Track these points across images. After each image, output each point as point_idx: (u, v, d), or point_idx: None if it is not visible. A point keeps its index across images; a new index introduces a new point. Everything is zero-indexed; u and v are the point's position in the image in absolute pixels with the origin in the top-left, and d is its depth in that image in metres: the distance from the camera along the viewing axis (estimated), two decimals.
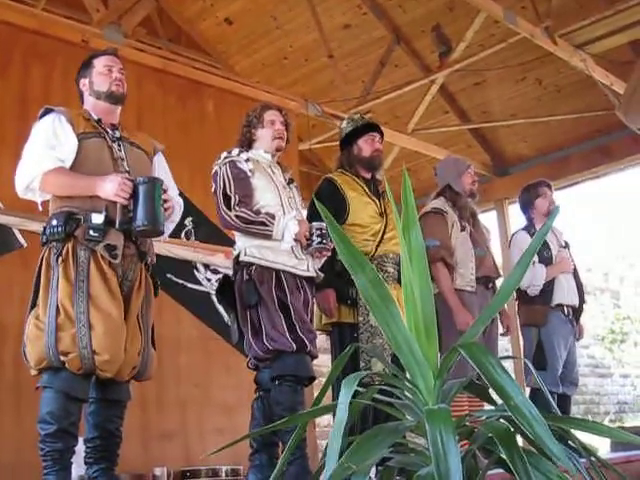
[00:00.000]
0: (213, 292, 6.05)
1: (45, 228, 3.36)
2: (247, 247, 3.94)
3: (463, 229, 5.10)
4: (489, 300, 5.00)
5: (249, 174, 4.04)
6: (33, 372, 3.31)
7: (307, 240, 3.95)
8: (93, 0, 6.36)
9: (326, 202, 2.45)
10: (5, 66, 5.72)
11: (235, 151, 4.14)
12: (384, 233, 4.45)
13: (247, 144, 4.23)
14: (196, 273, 6.31)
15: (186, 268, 6.21)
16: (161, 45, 7.56)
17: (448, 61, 7.83)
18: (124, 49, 6.23)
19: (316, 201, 2.21)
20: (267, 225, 3.90)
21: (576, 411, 12.85)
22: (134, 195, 3.29)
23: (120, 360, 3.28)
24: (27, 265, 5.14)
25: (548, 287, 5.61)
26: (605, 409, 13.86)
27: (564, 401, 5.56)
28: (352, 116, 4.92)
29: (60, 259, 3.27)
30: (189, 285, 6.22)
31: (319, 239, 3.93)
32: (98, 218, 3.29)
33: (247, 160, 4.07)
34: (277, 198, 4.06)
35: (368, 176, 4.66)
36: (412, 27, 8.24)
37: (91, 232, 3.28)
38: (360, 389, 1.87)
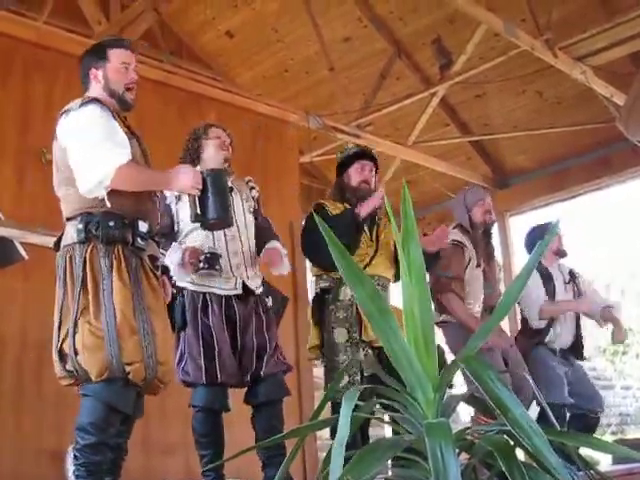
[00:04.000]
0: None
1: (87, 224, 3.14)
2: None
3: (479, 265, 5.18)
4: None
5: (173, 201, 4.11)
6: (66, 382, 3.16)
7: (194, 266, 3.94)
8: (95, 13, 6.37)
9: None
10: (6, 78, 5.74)
11: None
12: (372, 258, 4.44)
13: (195, 158, 4.23)
14: None
15: None
16: (162, 58, 7.57)
17: (449, 74, 7.85)
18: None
19: (315, 216, 2.21)
20: (161, 257, 3.90)
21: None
22: (203, 187, 3.25)
23: (173, 369, 3.26)
24: (28, 277, 5.16)
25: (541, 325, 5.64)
26: (607, 421, 13.82)
27: (591, 420, 5.55)
28: (347, 145, 4.91)
29: (114, 261, 3.11)
30: None
31: (205, 264, 3.92)
32: (143, 227, 3.22)
33: None
34: None
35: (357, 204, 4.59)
36: (413, 40, 8.27)
37: (139, 240, 3.19)
38: (360, 403, 1.87)
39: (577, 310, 5.72)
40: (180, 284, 4.00)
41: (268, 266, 4.18)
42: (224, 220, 3.35)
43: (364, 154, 4.69)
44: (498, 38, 7.39)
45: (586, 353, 5.94)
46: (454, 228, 5.25)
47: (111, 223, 3.14)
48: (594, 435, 5.28)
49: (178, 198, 4.07)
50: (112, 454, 3.25)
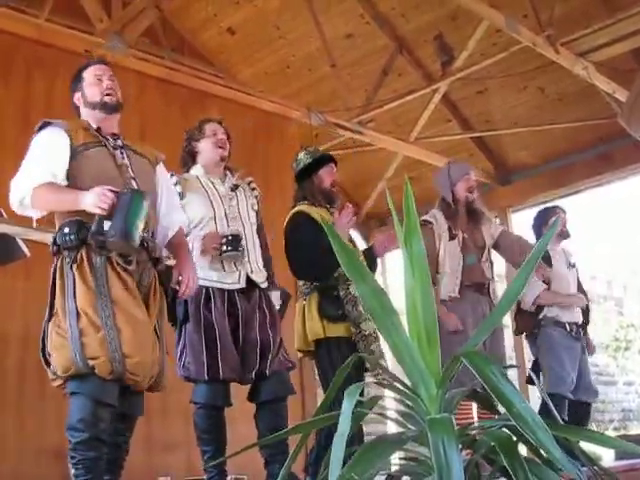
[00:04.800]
0: None
1: (55, 238, 3.32)
2: None
3: (452, 238, 5.13)
4: (483, 305, 5.08)
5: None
6: (57, 382, 3.24)
7: (217, 250, 3.97)
8: (96, 10, 6.37)
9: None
10: (8, 76, 5.75)
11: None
12: None
13: (191, 159, 4.26)
14: None
15: None
16: (164, 55, 7.57)
17: (450, 70, 7.84)
18: (127, 59, 6.27)
19: (316, 216, 2.20)
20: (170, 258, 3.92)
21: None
22: (116, 206, 3.20)
23: (149, 363, 3.24)
24: (29, 275, 5.17)
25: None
26: (609, 417, 13.82)
27: (584, 409, 5.58)
28: (309, 149, 4.92)
29: (75, 265, 3.22)
30: None
31: (229, 247, 3.94)
32: (107, 225, 3.22)
33: (176, 184, 4.05)
34: (210, 211, 4.09)
35: (328, 206, 4.66)
36: (414, 36, 8.25)
37: (100, 238, 3.21)
38: (362, 398, 1.87)
39: (575, 305, 5.75)
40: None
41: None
42: (120, 243, 3.21)
43: (330, 157, 4.80)
44: (500, 34, 7.38)
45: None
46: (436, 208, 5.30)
47: (66, 230, 3.27)
48: (590, 427, 5.29)
49: (182, 195, 4.07)
50: (111, 453, 3.28)
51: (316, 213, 4.46)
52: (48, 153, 3.38)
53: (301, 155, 4.78)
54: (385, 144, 8.82)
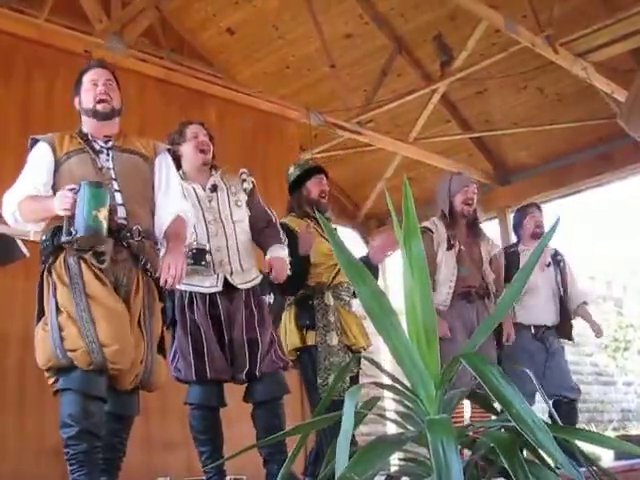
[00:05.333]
0: None
1: (39, 246, 3.44)
2: None
3: (450, 248, 5.18)
4: (470, 312, 5.17)
5: None
6: (50, 381, 3.29)
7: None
8: (95, 11, 6.36)
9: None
10: (7, 76, 5.75)
11: None
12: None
13: (175, 163, 4.16)
14: None
15: None
16: (163, 55, 7.57)
17: (450, 70, 7.84)
18: (126, 59, 6.26)
19: (317, 213, 2.21)
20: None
21: (580, 419, 12.79)
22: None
23: (130, 351, 3.25)
24: (29, 275, 5.13)
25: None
26: (609, 417, 13.82)
27: (567, 406, 5.58)
28: (299, 162, 5.07)
29: (53, 268, 3.32)
30: None
31: (191, 260, 3.89)
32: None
33: None
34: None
35: (316, 216, 4.68)
36: (414, 36, 8.25)
37: (64, 238, 3.27)
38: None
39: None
40: None
41: (271, 275, 4.15)
42: (84, 238, 3.21)
43: (319, 169, 4.92)
44: (499, 34, 7.39)
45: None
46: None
47: (44, 237, 3.40)
48: (588, 426, 5.27)
49: None
50: (106, 453, 3.31)
51: (297, 225, 4.65)
52: (32, 169, 3.49)
53: (291, 169, 4.95)
54: (384, 144, 8.82)
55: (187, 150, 4.24)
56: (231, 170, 4.37)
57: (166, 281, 3.44)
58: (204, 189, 4.19)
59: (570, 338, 5.90)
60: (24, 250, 4.34)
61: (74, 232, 3.21)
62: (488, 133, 9.30)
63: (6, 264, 4.51)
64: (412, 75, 8.56)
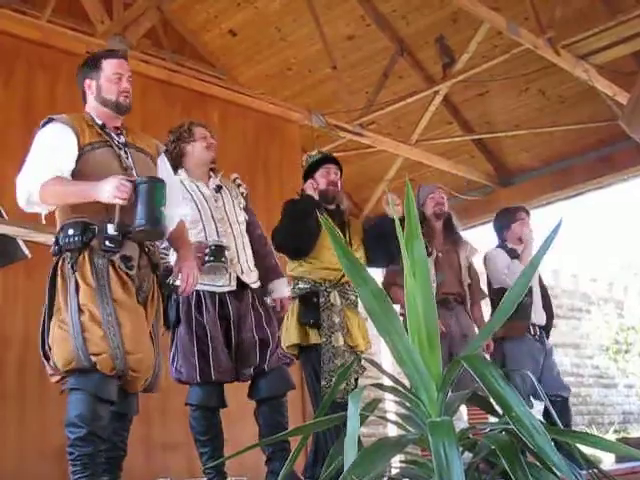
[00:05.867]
0: None
1: (58, 238, 3.31)
2: None
3: (429, 255, 5.19)
4: (447, 318, 5.17)
5: None
6: (56, 378, 3.26)
7: (201, 260, 3.92)
8: (97, 12, 6.37)
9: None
10: (9, 77, 5.75)
11: None
12: None
13: (176, 160, 4.20)
14: None
15: None
16: (165, 56, 7.58)
17: (451, 72, 7.84)
18: (128, 61, 6.26)
19: (319, 214, 2.21)
20: (165, 257, 3.92)
21: (580, 421, 12.81)
22: (135, 196, 3.19)
23: (151, 358, 3.26)
24: (30, 276, 5.16)
25: (527, 301, 5.59)
26: (610, 419, 13.83)
27: (560, 404, 5.57)
28: (310, 153, 5.01)
29: (76, 267, 3.23)
30: None
31: (211, 257, 3.92)
32: (111, 229, 3.24)
33: None
34: (197, 214, 4.08)
35: (331, 207, 4.74)
36: (416, 38, 8.26)
37: (107, 242, 3.23)
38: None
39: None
40: (177, 283, 3.99)
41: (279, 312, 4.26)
42: (150, 231, 3.23)
43: (327, 159, 4.87)
44: (501, 37, 7.39)
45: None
46: None
47: (70, 232, 3.27)
48: (582, 428, 5.27)
49: None
50: (108, 452, 3.29)
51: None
52: (54, 149, 3.35)
53: (304, 158, 4.95)
54: (386, 146, 8.82)
55: (195, 148, 4.25)
56: (228, 173, 4.40)
57: (184, 290, 3.49)
58: (207, 188, 4.20)
59: (548, 337, 5.90)
60: (25, 251, 4.35)
61: (141, 222, 3.18)
62: (490, 135, 9.30)
63: (7, 264, 4.52)
64: (414, 77, 8.56)
